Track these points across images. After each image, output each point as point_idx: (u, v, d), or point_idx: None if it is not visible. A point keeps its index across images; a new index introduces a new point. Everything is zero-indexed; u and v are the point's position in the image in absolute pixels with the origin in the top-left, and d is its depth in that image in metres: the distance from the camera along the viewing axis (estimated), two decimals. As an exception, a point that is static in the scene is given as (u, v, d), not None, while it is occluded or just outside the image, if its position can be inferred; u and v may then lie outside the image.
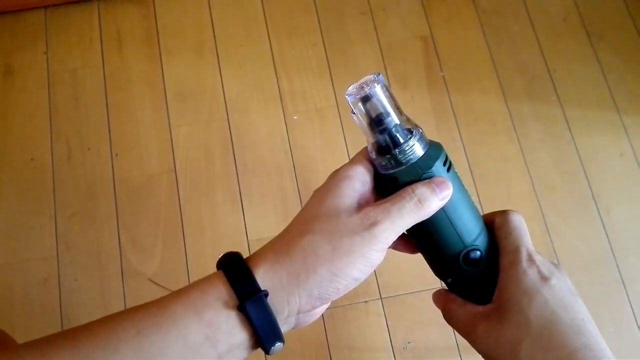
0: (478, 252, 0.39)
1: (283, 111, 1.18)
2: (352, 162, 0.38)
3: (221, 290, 0.32)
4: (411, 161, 0.36)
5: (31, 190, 1.11)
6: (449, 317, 0.41)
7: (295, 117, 1.17)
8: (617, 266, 1.08)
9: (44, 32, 1.23)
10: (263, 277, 0.33)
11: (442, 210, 0.37)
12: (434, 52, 1.24)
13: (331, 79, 1.21)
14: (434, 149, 0.37)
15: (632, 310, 1.05)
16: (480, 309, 0.39)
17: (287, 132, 1.16)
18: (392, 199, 0.35)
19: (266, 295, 0.32)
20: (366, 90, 0.36)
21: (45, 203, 1.10)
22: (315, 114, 1.18)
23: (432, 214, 0.35)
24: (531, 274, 0.37)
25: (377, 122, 0.36)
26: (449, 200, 0.36)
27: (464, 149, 1.15)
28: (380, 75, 0.37)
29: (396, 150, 0.36)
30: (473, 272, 0.40)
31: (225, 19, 1.25)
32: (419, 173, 0.36)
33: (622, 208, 1.12)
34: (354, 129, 1.15)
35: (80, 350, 0.30)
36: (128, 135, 1.15)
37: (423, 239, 0.39)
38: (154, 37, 1.23)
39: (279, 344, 0.33)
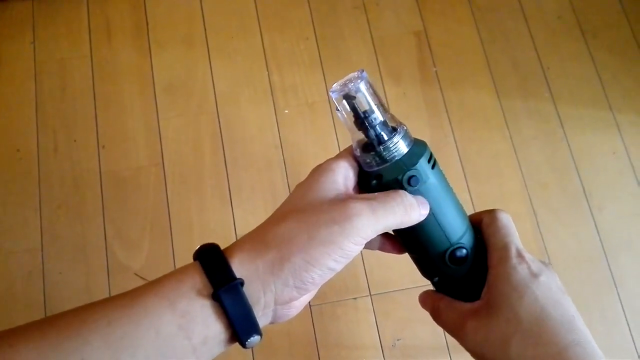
0: (464, 250, 0.39)
1: (274, 105, 1.16)
2: (336, 157, 0.38)
3: (196, 280, 0.32)
4: (395, 158, 0.36)
5: (16, 182, 1.09)
6: (437, 316, 0.41)
7: (287, 112, 1.16)
8: (608, 264, 1.08)
9: (31, 22, 1.21)
10: (239, 267, 0.32)
11: None
12: (427, 47, 1.23)
13: (323, 73, 1.19)
14: (418, 147, 0.37)
15: (623, 308, 1.05)
16: (468, 306, 0.39)
17: (278, 126, 1.15)
18: (380, 198, 0.34)
19: (242, 283, 0.31)
20: (350, 87, 0.36)
21: (31, 195, 1.08)
22: (307, 108, 1.16)
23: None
24: (521, 271, 0.36)
25: (361, 119, 0.36)
26: (434, 199, 0.36)
27: (456, 146, 1.14)
28: (365, 72, 0.36)
29: (380, 147, 0.36)
30: (459, 271, 0.39)
31: (216, 10, 1.23)
32: (404, 170, 0.36)
33: (614, 206, 1.12)
34: (346, 124, 1.14)
35: (49, 341, 0.29)
36: (115, 127, 1.13)
37: (408, 237, 0.39)
38: (144, 28, 1.21)
39: (255, 336, 0.32)
